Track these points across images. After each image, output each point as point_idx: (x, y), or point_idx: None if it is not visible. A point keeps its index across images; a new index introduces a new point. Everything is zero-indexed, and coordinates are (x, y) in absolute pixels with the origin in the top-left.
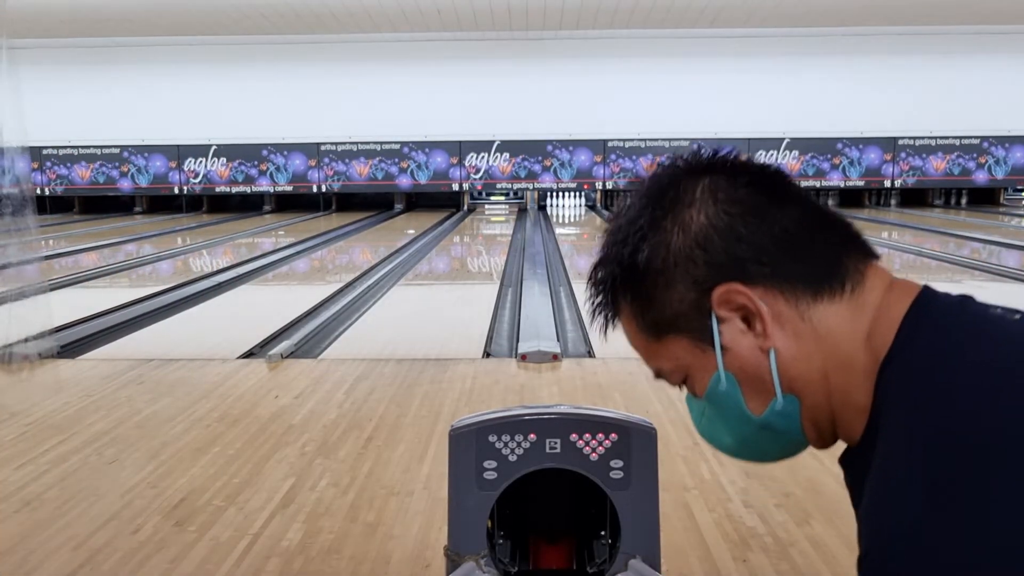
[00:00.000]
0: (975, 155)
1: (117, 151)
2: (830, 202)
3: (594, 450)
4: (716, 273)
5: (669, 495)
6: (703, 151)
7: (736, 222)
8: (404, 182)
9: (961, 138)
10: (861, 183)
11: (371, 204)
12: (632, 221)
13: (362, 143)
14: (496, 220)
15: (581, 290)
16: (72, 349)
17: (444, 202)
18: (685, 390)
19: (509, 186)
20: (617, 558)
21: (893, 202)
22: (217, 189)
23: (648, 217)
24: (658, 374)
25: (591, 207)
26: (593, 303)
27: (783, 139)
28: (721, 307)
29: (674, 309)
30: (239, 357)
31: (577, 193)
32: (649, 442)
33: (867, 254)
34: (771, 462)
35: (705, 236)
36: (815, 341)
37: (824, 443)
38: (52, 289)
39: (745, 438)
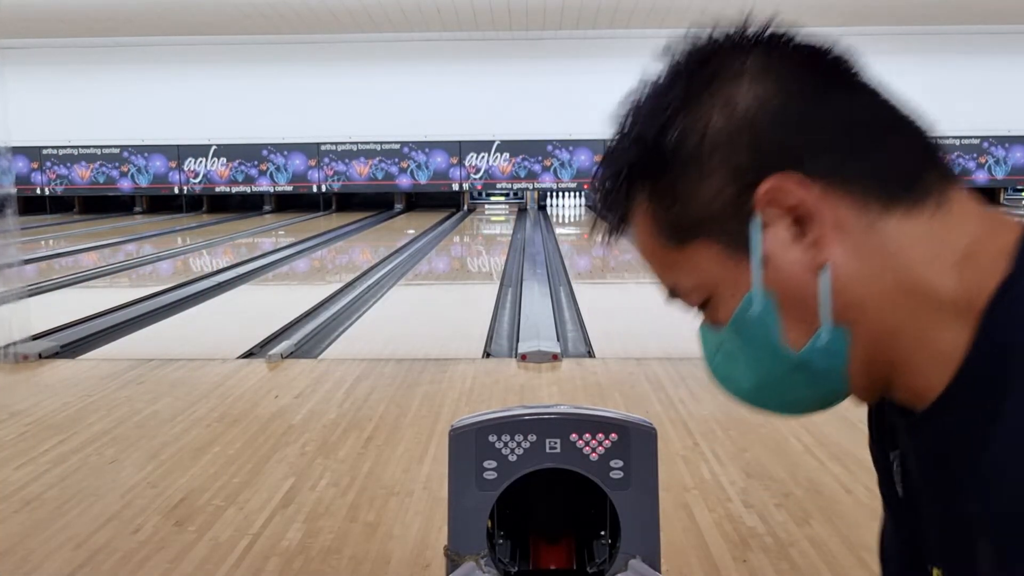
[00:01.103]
0: (975, 155)
1: (117, 151)
2: None
3: (594, 450)
4: (764, 163)
5: (669, 495)
6: (753, 22)
7: (793, 102)
8: (404, 182)
9: (961, 138)
10: None
11: (371, 204)
12: (660, 95)
13: (362, 143)
14: (496, 220)
15: (581, 290)
16: (72, 349)
17: (444, 202)
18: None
19: (509, 186)
20: (617, 558)
21: None
22: (217, 189)
23: (682, 90)
24: (672, 292)
25: (591, 207)
26: (600, 200)
27: None
28: (767, 206)
29: (705, 207)
30: (239, 357)
31: (577, 193)
32: (649, 442)
33: (950, 174)
34: (794, 415)
35: (753, 116)
36: (883, 261)
37: (871, 394)
38: (53, 289)
39: (771, 380)
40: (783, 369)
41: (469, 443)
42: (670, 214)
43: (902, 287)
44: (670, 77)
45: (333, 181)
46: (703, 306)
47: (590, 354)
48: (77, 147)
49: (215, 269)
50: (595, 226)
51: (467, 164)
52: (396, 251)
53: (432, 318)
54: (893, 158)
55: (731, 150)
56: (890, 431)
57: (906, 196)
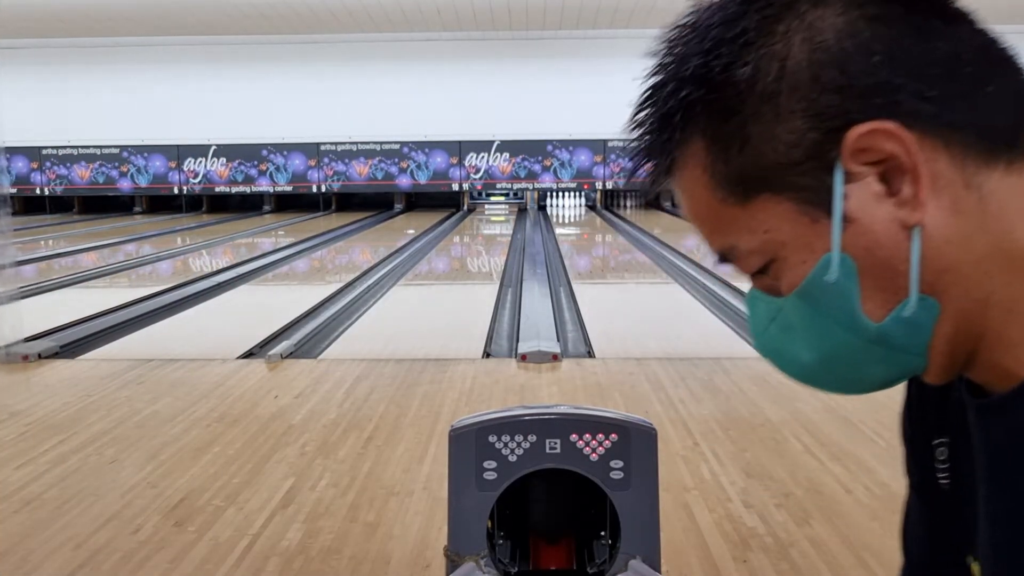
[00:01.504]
0: None
1: (117, 151)
2: None
3: (594, 450)
4: (855, 106)
5: (669, 495)
6: None
7: (888, 35)
8: (404, 182)
9: None
10: None
11: (371, 204)
12: (728, 22)
13: (362, 143)
14: (496, 220)
15: (581, 290)
16: (72, 349)
17: (444, 202)
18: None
19: (509, 186)
20: (617, 558)
21: None
22: (217, 189)
23: (756, 18)
24: (725, 256)
25: (591, 207)
26: (643, 144)
27: None
28: (856, 156)
29: (779, 155)
30: (239, 357)
31: (577, 193)
32: (649, 442)
33: None
34: (853, 393)
35: (842, 50)
36: (981, 222)
37: (947, 373)
38: (53, 289)
39: (840, 354)
40: (857, 343)
41: (469, 443)
42: (733, 164)
43: (1001, 252)
44: (739, 2)
45: (333, 181)
46: (761, 271)
47: (590, 354)
48: (77, 147)
49: (215, 269)
50: (631, 175)
51: (467, 164)
52: (396, 251)
53: (432, 318)
54: (996, 104)
55: (815, 90)
56: (936, 415)
57: (1007, 149)
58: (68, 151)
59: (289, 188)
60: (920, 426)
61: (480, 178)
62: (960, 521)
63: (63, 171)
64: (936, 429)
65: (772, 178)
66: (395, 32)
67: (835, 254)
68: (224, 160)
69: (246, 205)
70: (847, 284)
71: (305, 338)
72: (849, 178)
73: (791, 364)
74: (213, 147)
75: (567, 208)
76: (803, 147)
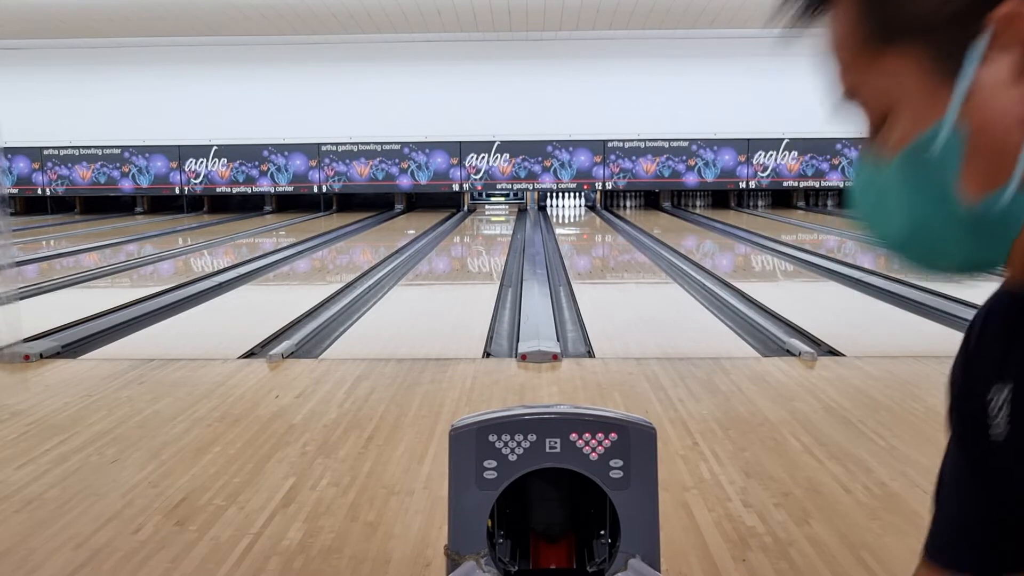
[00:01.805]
0: None
1: (118, 151)
2: (829, 203)
3: (594, 450)
4: None
5: (669, 495)
6: None
7: None
8: (404, 182)
9: None
10: None
11: (371, 204)
12: None
13: (362, 143)
14: (496, 220)
15: (581, 290)
16: (73, 349)
17: (444, 202)
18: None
19: (509, 186)
20: (617, 557)
21: None
22: (218, 189)
23: None
24: (850, 93)
25: (591, 207)
26: None
27: (783, 139)
28: (1003, 30)
29: (930, 9)
30: (240, 357)
31: (577, 193)
32: (649, 442)
33: None
34: (935, 271)
35: None
36: None
37: None
38: (54, 289)
39: (925, 228)
40: (946, 220)
41: (469, 443)
42: (886, 7)
43: None
44: None
45: (334, 181)
46: (875, 128)
47: (590, 354)
48: (78, 147)
49: (216, 269)
50: (784, 5)
51: (467, 165)
52: (396, 251)
53: (432, 318)
54: None
55: None
56: (998, 360)
57: None
58: (69, 151)
59: (290, 188)
60: (976, 374)
61: (480, 178)
62: (1018, 468)
63: (64, 171)
64: (996, 375)
65: (915, 29)
66: (396, 33)
67: (948, 121)
68: (225, 160)
69: (247, 205)
70: (951, 156)
71: (306, 338)
72: (989, 50)
73: (884, 232)
74: (214, 148)
75: (567, 208)
76: (954, 6)
